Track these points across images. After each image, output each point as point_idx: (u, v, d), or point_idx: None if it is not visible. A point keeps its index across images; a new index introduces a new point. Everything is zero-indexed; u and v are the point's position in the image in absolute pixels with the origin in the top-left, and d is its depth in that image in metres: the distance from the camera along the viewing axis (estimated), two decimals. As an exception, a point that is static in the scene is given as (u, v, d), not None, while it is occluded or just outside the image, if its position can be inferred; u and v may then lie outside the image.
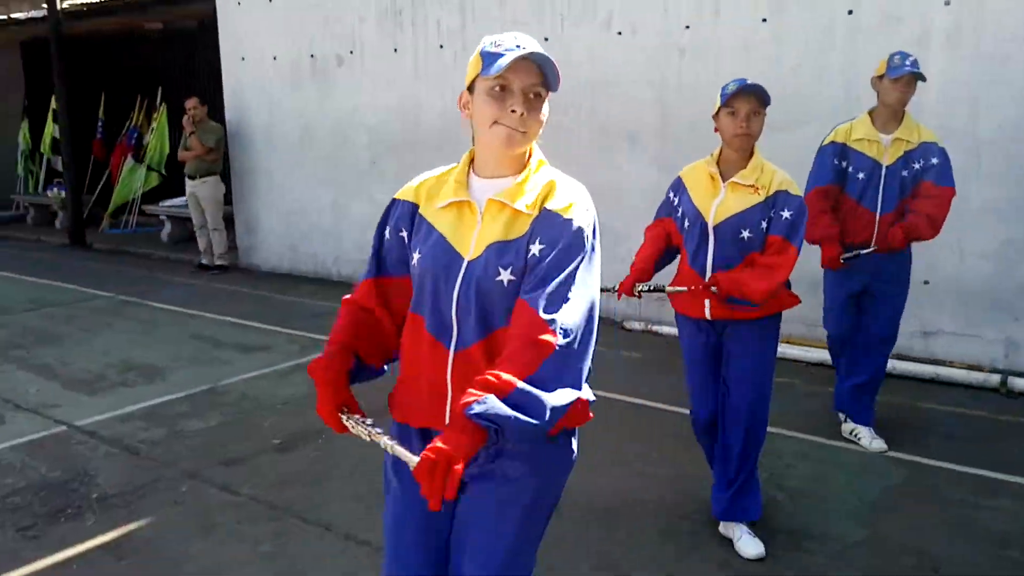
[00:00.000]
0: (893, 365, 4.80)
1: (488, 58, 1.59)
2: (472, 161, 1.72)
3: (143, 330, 6.35)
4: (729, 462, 3.08)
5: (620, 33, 6.08)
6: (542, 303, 1.52)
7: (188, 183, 8.54)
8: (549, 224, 1.60)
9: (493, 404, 1.42)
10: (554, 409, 1.47)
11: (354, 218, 7.96)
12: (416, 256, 1.68)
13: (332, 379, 1.66)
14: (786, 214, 2.87)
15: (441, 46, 7.07)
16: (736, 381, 3.03)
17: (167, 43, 12.11)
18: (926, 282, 4.89)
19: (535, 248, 1.58)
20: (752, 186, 2.90)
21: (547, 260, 1.56)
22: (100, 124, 12.62)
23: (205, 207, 8.53)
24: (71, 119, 11.28)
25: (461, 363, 1.63)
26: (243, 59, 8.55)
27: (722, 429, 3.11)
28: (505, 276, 1.58)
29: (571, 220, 1.60)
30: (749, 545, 3.01)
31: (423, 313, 1.68)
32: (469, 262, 1.62)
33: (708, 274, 2.95)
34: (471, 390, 1.46)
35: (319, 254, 8.31)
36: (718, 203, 2.93)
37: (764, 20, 5.43)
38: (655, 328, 6.04)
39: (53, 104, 12.20)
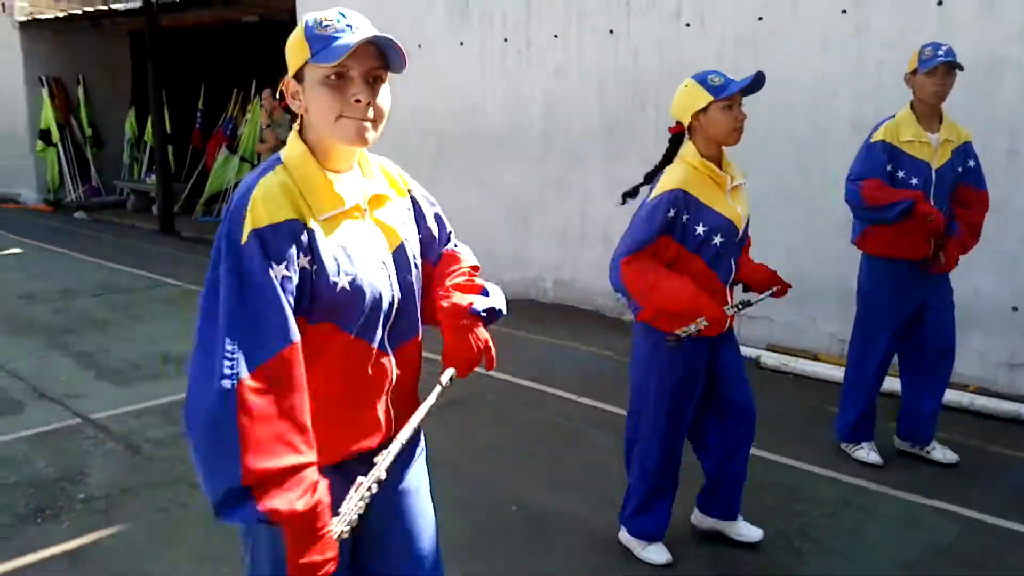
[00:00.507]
0: (971, 399, 4.22)
1: (317, 42, 1.41)
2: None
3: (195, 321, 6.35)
4: (739, 462, 3.01)
5: (688, 25, 5.63)
6: (456, 247, 1.77)
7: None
8: (423, 207, 1.72)
9: (485, 300, 1.62)
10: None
11: (416, 215, 7.80)
12: (346, 279, 1.44)
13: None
14: None
15: (505, 39, 6.79)
16: (738, 380, 2.99)
17: (263, 35, 12.33)
18: (1015, 308, 4.26)
19: (433, 227, 1.72)
20: (742, 184, 2.85)
21: (439, 227, 1.75)
22: (199, 114, 13.02)
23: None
24: (173, 109, 11.70)
25: (400, 362, 1.60)
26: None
27: (729, 432, 2.98)
28: (419, 262, 1.64)
29: (423, 193, 1.74)
30: (753, 529, 3.06)
31: (364, 335, 1.51)
32: (390, 261, 1.55)
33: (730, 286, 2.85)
34: (456, 293, 1.62)
35: (382, 251, 8.20)
36: (739, 207, 2.78)
37: (844, 12, 4.87)
38: (792, 366, 5.13)
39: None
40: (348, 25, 1.43)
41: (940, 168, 3.40)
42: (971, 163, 3.49)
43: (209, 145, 12.53)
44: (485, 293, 1.66)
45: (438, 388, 1.57)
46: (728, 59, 5.41)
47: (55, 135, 13.48)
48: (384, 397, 1.57)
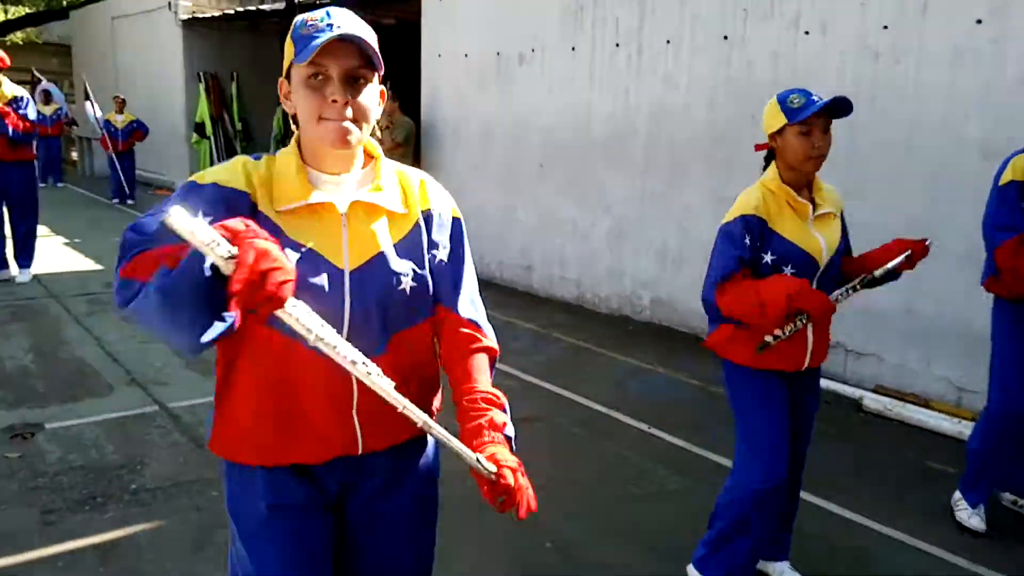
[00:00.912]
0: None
1: (300, 42, 1.40)
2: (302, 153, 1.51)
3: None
4: (790, 501, 2.85)
5: (808, 32, 5.20)
6: (464, 309, 1.58)
7: (379, 176, 8.77)
8: (440, 224, 1.58)
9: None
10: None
11: (519, 223, 7.70)
12: None
13: None
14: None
15: (617, 45, 6.55)
16: (802, 435, 2.78)
17: (399, 37, 12.62)
18: None
19: (440, 253, 1.57)
20: (830, 212, 2.61)
21: (450, 262, 1.59)
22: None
23: (389, 200, 8.69)
24: None
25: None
26: (439, 56, 8.58)
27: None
28: (407, 284, 1.50)
29: (457, 219, 1.62)
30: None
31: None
32: (351, 273, 1.45)
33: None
34: (490, 409, 1.51)
35: (485, 256, 8.14)
36: (821, 236, 2.55)
37: (979, 21, 4.33)
38: (898, 412, 4.61)
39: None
40: (329, 24, 1.39)
41: None
42: None
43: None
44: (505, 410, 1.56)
45: (470, 455, 1.42)
46: (849, 71, 4.96)
47: (208, 128, 14.35)
48: (341, 411, 1.48)
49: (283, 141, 14.59)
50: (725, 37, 5.72)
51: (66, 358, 5.26)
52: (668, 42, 6.15)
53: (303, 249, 1.42)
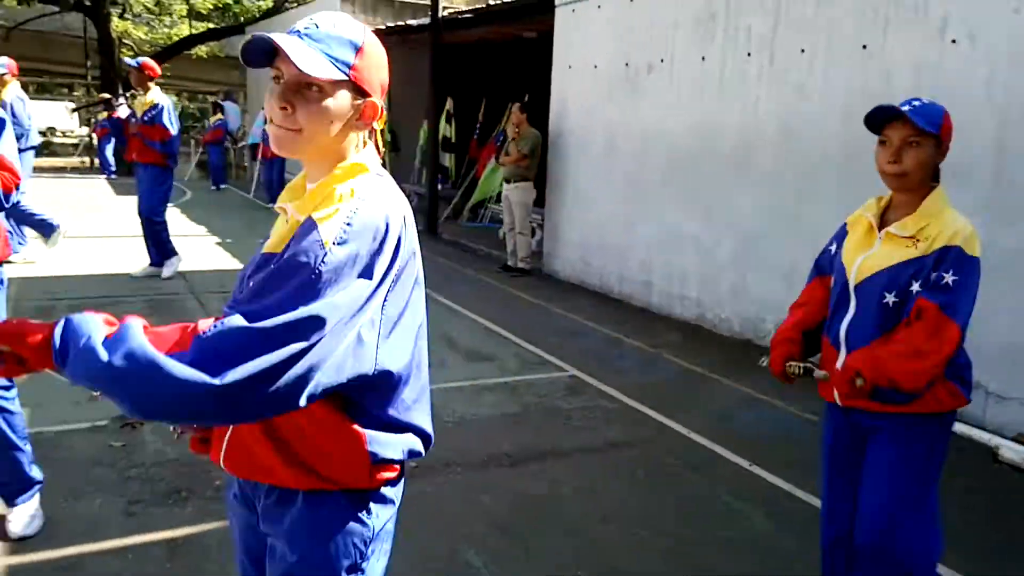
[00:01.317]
0: None
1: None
2: None
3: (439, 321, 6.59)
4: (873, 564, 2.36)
5: (955, 41, 4.71)
6: (213, 320, 1.23)
7: (504, 186, 8.79)
8: (310, 229, 1.31)
9: None
10: None
11: (640, 237, 7.46)
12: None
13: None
14: (949, 278, 2.11)
15: (748, 54, 6.21)
16: (867, 489, 2.33)
17: (538, 50, 12.65)
18: None
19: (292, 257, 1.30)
20: (911, 237, 2.22)
21: (268, 273, 1.29)
22: (478, 126, 13.73)
23: (515, 211, 8.69)
24: (459, 120, 12.54)
25: None
26: (570, 67, 8.49)
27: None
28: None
29: (319, 228, 1.30)
30: None
31: None
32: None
33: (841, 346, 2.30)
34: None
35: (606, 270, 7.95)
36: (864, 257, 2.30)
37: None
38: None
39: (448, 105, 13.59)
40: (296, 30, 1.38)
41: None
42: None
43: (482, 155, 13.17)
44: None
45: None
46: (999, 81, 4.44)
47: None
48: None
49: (435, 151, 15.15)
50: (864, 46, 5.28)
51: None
52: (802, 51, 5.76)
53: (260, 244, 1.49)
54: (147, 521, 3.28)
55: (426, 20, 12.75)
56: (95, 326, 1.20)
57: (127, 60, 7.28)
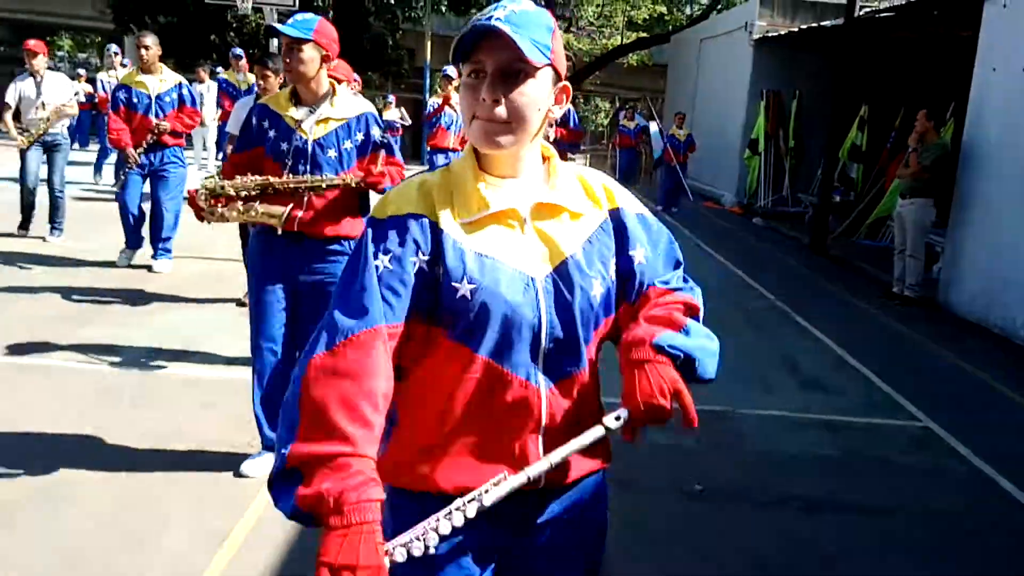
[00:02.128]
0: None
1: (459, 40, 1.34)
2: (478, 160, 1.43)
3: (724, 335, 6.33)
4: None
5: None
6: (673, 282, 1.48)
7: (899, 202, 7.91)
8: (630, 222, 1.48)
9: (679, 338, 1.37)
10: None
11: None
12: (469, 287, 1.35)
13: None
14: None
15: None
16: None
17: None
18: None
19: (637, 254, 1.46)
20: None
21: (650, 258, 1.48)
22: (892, 134, 12.47)
23: (908, 229, 7.76)
24: (872, 127, 11.74)
25: (558, 399, 1.40)
26: (994, 70, 7.30)
27: None
28: (598, 289, 1.41)
29: (642, 214, 1.51)
30: None
31: (500, 358, 1.37)
32: (545, 279, 1.38)
33: None
34: (643, 324, 1.39)
35: (1010, 310, 6.71)
36: None
37: None
38: None
39: (862, 112, 12.61)
40: (489, 17, 1.31)
41: None
42: None
43: (891, 166, 11.93)
44: (686, 332, 1.38)
45: (598, 429, 1.34)
46: None
47: (761, 145, 14.55)
48: (526, 436, 1.38)
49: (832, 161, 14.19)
50: None
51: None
52: None
53: (484, 256, 1.36)
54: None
55: (841, 21, 11.94)
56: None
57: (448, 69, 8.05)
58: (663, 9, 32.20)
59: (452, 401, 1.37)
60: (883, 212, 11.48)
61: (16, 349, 4.71)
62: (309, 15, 3.30)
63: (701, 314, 1.47)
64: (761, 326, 6.78)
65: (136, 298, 5.95)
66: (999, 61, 7.20)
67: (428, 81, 20.32)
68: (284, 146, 3.30)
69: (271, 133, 3.33)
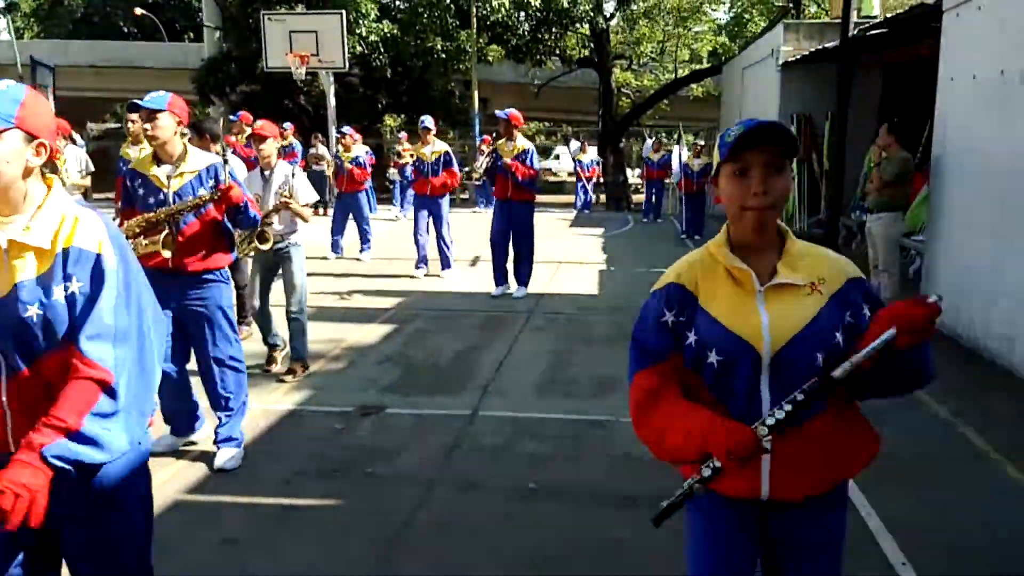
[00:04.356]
0: None
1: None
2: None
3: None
4: None
5: None
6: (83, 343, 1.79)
7: (868, 217, 7.82)
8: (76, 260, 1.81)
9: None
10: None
11: (1007, 283, 6.01)
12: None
13: None
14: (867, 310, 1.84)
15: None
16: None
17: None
18: None
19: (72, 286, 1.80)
20: (809, 284, 1.82)
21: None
22: (920, 149, 12.18)
23: (877, 244, 7.65)
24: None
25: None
26: (951, 79, 7.21)
27: None
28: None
29: (99, 254, 1.83)
30: None
31: None
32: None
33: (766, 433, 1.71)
34: (40, 429, 1.69)
35: (973, 320, 6.53)
36: (769, 320, 1.80)
37: None
38: None
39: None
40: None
41: None
42: None
43: (916, 181, 11.65)
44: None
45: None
46: None
47: (794, 169, 14.35)
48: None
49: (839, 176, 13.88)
50: None
51: (472, 359, 6.19)
52: None
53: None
54: (296, 491, 3.89)
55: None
56: None
57: (497, 113, 8.31)
58: (725, 40, 32.15)
59: None
60: (910, 227, 11.20)
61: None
62: (162, 92, 3.91)
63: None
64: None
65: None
66: (956, 70, 7.11)
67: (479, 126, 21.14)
68: (151, 200, 3.97)
69: (140, 191, 4.01)
